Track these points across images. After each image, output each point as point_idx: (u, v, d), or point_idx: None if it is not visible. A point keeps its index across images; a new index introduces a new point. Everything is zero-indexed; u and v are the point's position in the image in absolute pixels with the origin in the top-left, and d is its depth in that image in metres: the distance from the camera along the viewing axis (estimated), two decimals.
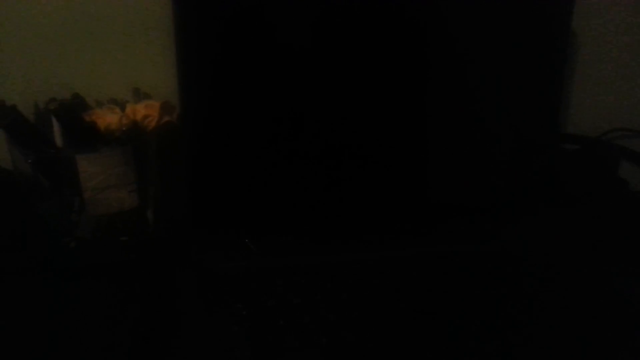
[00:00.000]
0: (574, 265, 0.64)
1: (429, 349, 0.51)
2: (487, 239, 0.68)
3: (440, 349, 0.51)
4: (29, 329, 0.55)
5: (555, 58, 0.69)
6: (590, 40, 0.83)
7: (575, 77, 0.84)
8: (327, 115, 0.64)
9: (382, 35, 0.62)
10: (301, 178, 0.66)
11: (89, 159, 0.65)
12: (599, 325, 0.55)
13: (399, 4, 0.61)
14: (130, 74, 0.75)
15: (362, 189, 0.68)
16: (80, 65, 0.75)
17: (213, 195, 0.66)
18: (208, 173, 0.64)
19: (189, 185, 0.64)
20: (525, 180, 0.73)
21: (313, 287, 0.58)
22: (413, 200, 0.70)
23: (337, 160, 0.66)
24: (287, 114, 0.64)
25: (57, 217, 0.67)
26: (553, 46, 0.68)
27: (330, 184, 0.67)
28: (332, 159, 0.66)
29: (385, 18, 0.62)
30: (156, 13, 0.74)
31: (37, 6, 0.72)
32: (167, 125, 0.69)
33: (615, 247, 0.69)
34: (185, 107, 0.61)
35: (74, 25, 0.73)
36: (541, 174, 0.74)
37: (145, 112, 0.68)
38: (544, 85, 0.69)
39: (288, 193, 0.66)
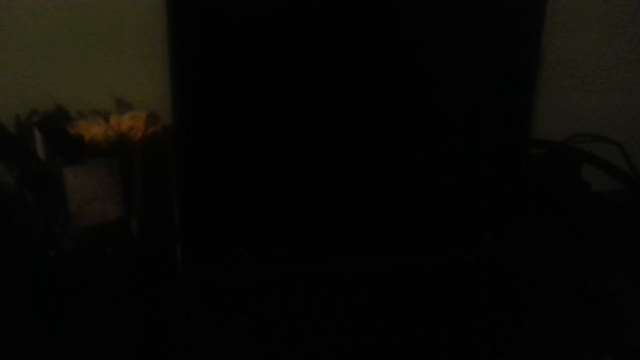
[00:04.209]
0: (548, 266, 0.68)
1: (422, 350, 0.54)
2: (469, 244, 0.71)
3: (434, 351, 0.54)
4: (14, 347, 0.54)
5: (526, 70, 0.72)
6: (554, 54, 0.87)
7: (540, 86, 0.88)
8: (320, 126, 0.65)
9: (365, 50, 0.64)
10: (293, 188, 0.67)
11: (75, 172, 0.64)
12: (573, 321, 0.59)
13: (379, 15, 0.63)
14: (110, 84, 0.74)
15: (352, 199, 0.69)
16: (60, 76, 0.73)
17: (205, 207, 0.66)
18: (201, 185, 0.64)
19: (181, 197, 0.64)
20: (496, 185, 0.77)
21: (309, 294, 0.59)
22: (391, 211, 0.72)
23: (328, 172, 0.67)
24: (275, 126, 0.64)
25: (42, 231, 0.66)
26: (525, 58, 0.71)
27: (321, 196, 0.68)
28: (323, 172, 0.67)
29: (370, 33, 0.64)
30: (138, 23, 0.73)
31: (16, 17, 0.71)
32: (153, 136, 0.69)
33: (581, 244, 0.73)
34: (177, 118, 0.61)
35: (54, 36, 0.72)
36: (512, 179, 0.77)
37: (131, 123, 0.68)
38: (516, 94, 0.72)
39: (280, 204, 0.67)
